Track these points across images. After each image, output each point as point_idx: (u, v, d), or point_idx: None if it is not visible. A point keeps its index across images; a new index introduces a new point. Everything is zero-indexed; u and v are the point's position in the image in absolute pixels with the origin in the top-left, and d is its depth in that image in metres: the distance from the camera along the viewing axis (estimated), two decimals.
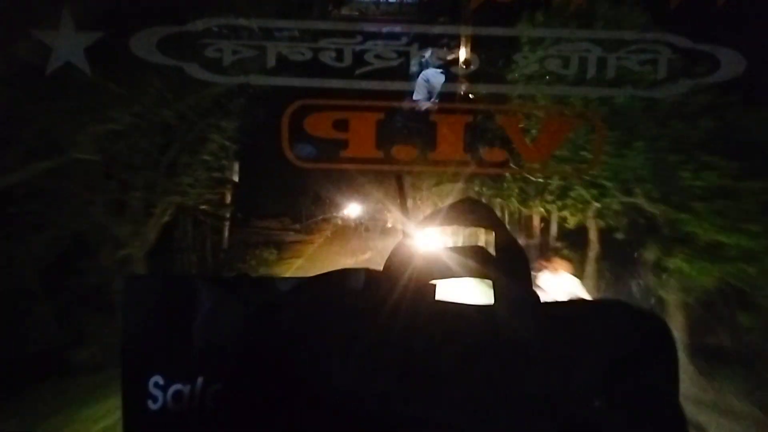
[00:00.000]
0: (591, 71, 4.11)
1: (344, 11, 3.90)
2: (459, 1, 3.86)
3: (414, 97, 4.31)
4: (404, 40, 4.24)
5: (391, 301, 1.09)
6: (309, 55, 3.83)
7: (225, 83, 3.87)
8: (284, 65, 3.86)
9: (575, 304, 1.26)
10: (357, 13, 4.06)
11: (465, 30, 4.01)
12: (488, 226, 1.12)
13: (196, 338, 1.19)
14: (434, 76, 4.42)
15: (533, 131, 4.70)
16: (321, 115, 3.97)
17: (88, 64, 3.81)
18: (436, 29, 4.21)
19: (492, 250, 1.14)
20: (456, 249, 1.14)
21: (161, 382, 1.20)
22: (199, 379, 1.18)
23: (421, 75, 4.42)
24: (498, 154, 4.67)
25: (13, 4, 4.77)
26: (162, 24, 3.96)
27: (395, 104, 4.32)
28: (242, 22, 3.94)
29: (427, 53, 4.52)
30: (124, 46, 3.85)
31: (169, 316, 1.23)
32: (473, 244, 1.22)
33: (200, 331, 1.19)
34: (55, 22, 3.86)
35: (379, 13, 4.14)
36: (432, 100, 4.53)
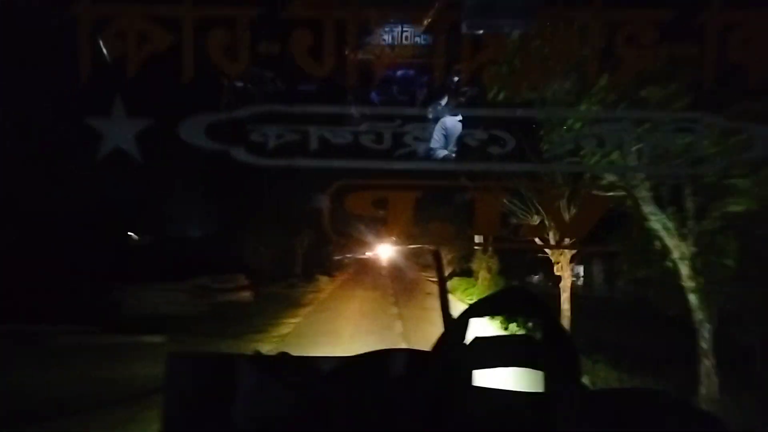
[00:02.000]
0: (626, 150, 4.16)
1: (360, 56, 4.02)
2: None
3: (431, 145, 4.37)
4: (441, 123, 4.38)
5: (436, 386, 1.11)
6: (349, 138, 3.96)
7: (269, 166, 4.00)
8: (326, 147, 3.99)
9: (627, 395, 1.25)
10: (372, 57, 4.17)
11: (498, 113, 4.12)
12: (536, 316, 1.13)
13: (237, 418, 1.22)
14: (452, 125, 4.48)
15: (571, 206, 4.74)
16: (361, 194, 4.07)
17: (138, 149, 3.99)
18: (470, 113, 4.33)
19: (539, 338, 1.15)
20: (504, 336, 1.15)
21: None
22: None
23: (438, 123, 4.49)
24: (534, 231, 4.68)
25: (66, 92, 5.03)
26: (210, 111, 4.15)
27: (432, 183, 4.41)
28: (285, 108, 4.10)
29: (443, 100, 4.61)
30: (173, 132, 4.02)
31: (210, 395, 1.26)
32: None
33: (241, 412, 1.22)
34: (107, 109, 4.08)
35: (394, 56, 4.24)
36: (450, 148, 4.58)
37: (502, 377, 1.19)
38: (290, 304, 24.21)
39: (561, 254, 13.24)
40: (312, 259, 35.12)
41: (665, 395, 1.17)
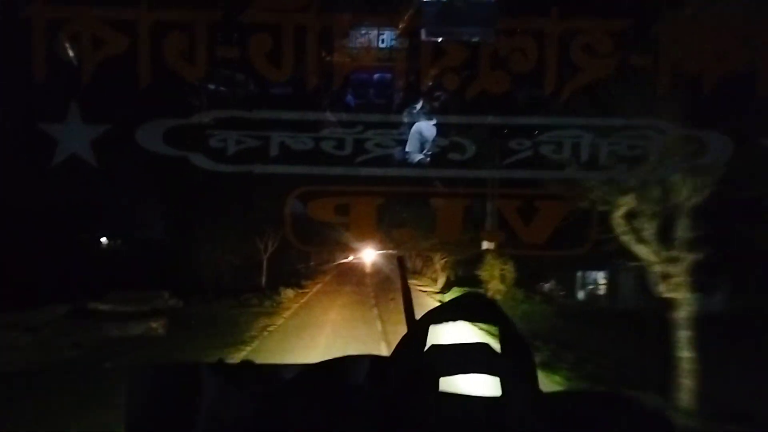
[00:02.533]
0: (584, 156, 4.24)
1: (336, 58, 4.02)
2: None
3: (406, 149, 4.39)
4: (403, 130, 4.40)
5: (395, 393, 1.11)
6: (310, 144, 3.96)
7: (229, 172, 3.97)
8: (286, 153, 3.98)
9: (579, 397, 1.29)
10: (349, 59, 4.18)
11: (458, 119, 4.17)
12: (493, 322, 1.15)
13: (199, 426, 1.20)
14: (427, 129, 4.53)
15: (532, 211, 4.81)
16: (323, 201, 4.07)
17: (94, 155, 3.92)
18: (430, 119, 4.37)
19: (497, 345, 1.17)
20: (462, 344, 1.17)
21: None
22: None
23: (413, 127, 4.52)
24: (495, 236, 4.73)
25: (21, 98, 4.92)
26: (168, 116, 4.11)
27: (395, 189, 4.44)
28: (245, 113, 4.08)
29: (418, 104, 4.66)
30: (130, 138, 3.96)
31: (172, 404, 1.25)
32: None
33: (204, 420, 1.21)
34: (62, 115, 4.00)
35: (371, 59, 4.25)
36: (425, 152, 4.62)
37: (460, 382, 1.21)
38: (223, 337, 15.86)
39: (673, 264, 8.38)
40: (279, 266, 29.23)
41: (617, 396, 1.20)
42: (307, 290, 29.40)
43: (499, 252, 19.23)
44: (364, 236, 4.13)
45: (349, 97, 4.84)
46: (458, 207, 4.25)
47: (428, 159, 4.32)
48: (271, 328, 17.90)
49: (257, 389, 1.20)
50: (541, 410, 1.07)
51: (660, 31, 3.91)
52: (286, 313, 21.02)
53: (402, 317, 1.30)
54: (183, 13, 3.85)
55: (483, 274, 22.40)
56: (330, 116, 4.17)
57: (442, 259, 28.74)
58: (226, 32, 3.90)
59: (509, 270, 21.55)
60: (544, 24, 3.89)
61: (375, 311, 20.81)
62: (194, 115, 4.12)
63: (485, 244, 12.38)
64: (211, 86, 4.44)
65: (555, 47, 3.98)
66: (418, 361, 1.10)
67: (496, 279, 21.70)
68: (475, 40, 3.75)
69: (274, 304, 22.61)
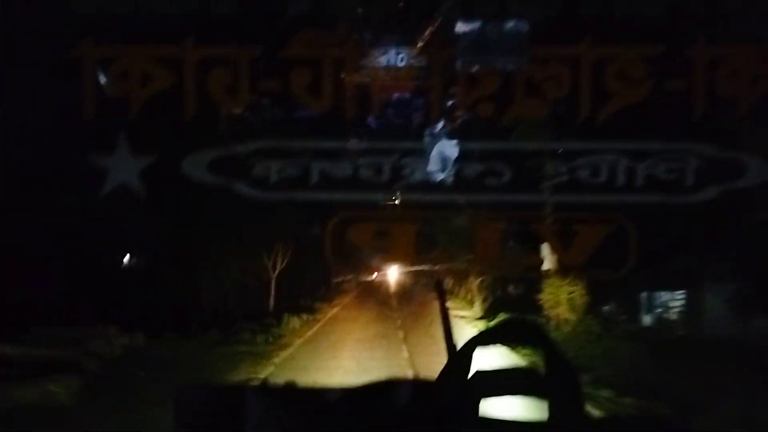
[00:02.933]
0: (620, 179, 4.25)
1: (356, 79, 4.07)
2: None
3: (428, 169, 4.41)
4: (439, 156, 4.46)
5: (440, 417, 1.12)
6: (349, 171, 4.03)
7: (271, 200, 4.07)
8: (327, 181, 4.06)
9: (629, 423, 1.27)
10: (368, 80, 4.23)
11: (495, 145, 4.21)
12: (538, 346, 1.14)
13: None
14: (448, 149, 4.54)
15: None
16: (363, 226, 4.13)
17: (142, 185, 4.06)
18: (467, 146, 4.42)
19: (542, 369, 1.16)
20: (508, 369, 1.16)
21: None
22: None
23: (435, 148, 4.53)
24: (534, 260, 4.74)
25: (71, 131, 5.11)
26: (212, 147, 4.24)
27: (433, 215, 4.49)
28: (287, 143, 4.18)
29: (440, 125, 4.68)
30: (176, 168, 4.09)
31: (219, 425, 1.28)
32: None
33: None
34: (111, 146, 4.15)
35: (389, 78, 4.30)
36: (446, 171, 4.62)
37: (507, 408, 1.20)
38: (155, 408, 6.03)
39: None
40: (290, 285, 22.67)
41: (667, 423, 1.18)
42: (319, 317, 22.91)
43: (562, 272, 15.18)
44: (403, 260, 4.18)
45: (386, 126, 4.91)
46: (495, 230, 4.28)
47: (465, 184, 4.36)
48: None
49: (301, 410, 1.22)
50: None
51: (694, 56, 3.92)
52: (282, 355, 14.64)
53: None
54: (226, 49, 3.99)
55: (546, 297, 16.91)
56: (368, 144, 4.25)
57: (479, 278, 24.04)
58: (267, 66, 4.02)
59: (579, 293, 15.12)
60: (578, 51, 3.94)
61: (404, 351, 14.85)
62: (237, 145, 4.24)
63: (547, 263, 11.39)
64: (254, 118, 4.56)
65: (588, 73, 4.01)
66: (464, 385, 1.11)
67: (563, 305, 15.49)
68: (509, 68, 3.81)
69: (271, 339, 16.70)
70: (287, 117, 4.59)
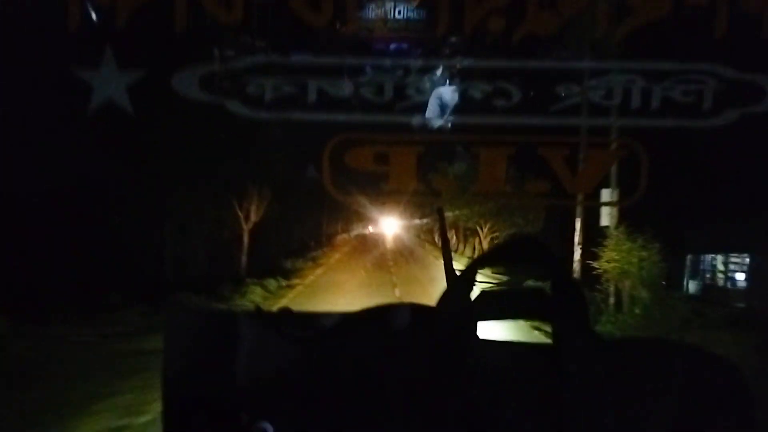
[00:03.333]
0: (635, 102, 4.08)
1: (345, 30, 3.92)
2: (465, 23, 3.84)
3: (426, 115, 4.29)
4: (445, 74, 4.28)
5: (442, 339, 1.06)
6: (350, 90, 3.88)
7: (266, 119, 3.92)
8: (325, 100, 3.92)
9: (638, 343, 1.24)
10: (365, 32, 4.08)
11: (504, 63, 4.02)
12: (544, 264, 1.10)
13: (239, 373, 1.18)
14: (447, 94, 4.41)
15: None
16: (362, 149, 4.00)
17: (129, 102, 3.89)
18: (474, 64, 4.23)
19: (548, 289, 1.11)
20: (513, 289, 1.12)
21: (204, 417, 1.19)
22: (242, 415, 1.16)
23: (433, 92, 4.40)
24: (541, 186, 4.62)
25: (56, 44, 4.91)
26: (204, 62, 4.06)
27: (436, 138, 4.33)
28: (282, 59, 4.00)
29: (461, 48, 4.51)
30: (166, 84, 3.93)
31: (211, 350, 1.22)
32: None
33: (243, 367, 1.18)
34: (97, 60, 3.97)
35: (387, 30, 4.15)
36: (445, 117, 4.50)
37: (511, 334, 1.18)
38: None
39: None
40: (268, 243, 20.36)
41: (679, 343, 1.17)
42: (295, 282, 19.44)
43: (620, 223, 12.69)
44: (403, 185, 4.06)
45: (389, 42, 4.72)
46: (502, 156, 4.14)
47: (471, 105, 4.21)
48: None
49: (297, 335, 1.18)
50: (599, 356, 1.02)
51: None
52: None
53: None
54: None
55: (610, 263, 12.95)
56: (369, 61, 4.08)
57: (491, 231, 21.26)
58: None
59: (653, 261, 12.53)
60: None
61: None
62: (230, 61, 4.07)
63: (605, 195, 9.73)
64: (249, 32, 4.36)
65: None
66: (466, 307, 1.05)
67: (633, 276, 12.67)
68: None
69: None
70: (285, 31, 4.38)
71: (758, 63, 4.46)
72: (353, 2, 3.90)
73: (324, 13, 3.78)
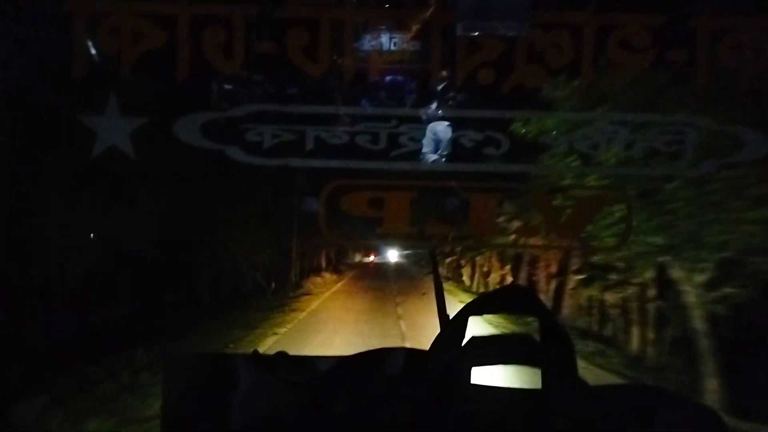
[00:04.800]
0: (619, 151, 4.21)
1: (342, 63, 4.02)
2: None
3: (419, 161, 4.38)
4: (438, 124, 4.40)
5: (433, 385, 1.11)
6: (346, 138, 3.98)
7: (265, 165, 4.02)
8: (322, 148, 4.01)
9: (624, 390, 1.28)
10: (356, 65, 4.18)
11: (494, 113, 4.15)
12: (533, 314, 1.15)
13: (235, 417, 1.23)
14: (442, 131, 4.50)
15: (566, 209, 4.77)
16: (357, 194, 4.09)
17: (132, 147, 3.99)
18: (466, 114, 4.35)
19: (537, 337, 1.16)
20: (502, 335, 1.17)
21: None
22: None
23: (428, 127, 4.48)
24: (531, 231, 4.69)
25: (59, 91, 5.00)
26: (205, 110, 4.16)
27: (428, 183, 4.44)
28: (281, 107, 4.12)
29: (434, 105, 4.61)
30: (167, 131, 4.02)
31: (209, 394, 1.27)
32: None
33: (240, 410, 1.23)
34: (100, 108, 4.07)
35: (383, 61, 4.24)
36: (439, 152, 4.59)
37: (500, 376, 1.20)
38: None
39: None
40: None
41: (662, 390, 1.19)
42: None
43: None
44: (397, 229, 4.14)
45: (384, 92, 4.84)
46: (492, 201, 4.24)
47: (463, 154, 4.32)
48: None
49: (293, 379, 1.22)
50: (585, 402, 1.07)
51: (698, 26, 3.85)
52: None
53: None
54: (221, 8, 3.90)
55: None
56: (365, 111, 4.20)
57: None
58: (263, 26, 3.95)
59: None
60: (581, 18, 3.87)
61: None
62: (230, 109, 4.17)
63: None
64: (248, 81, 4.48)
65: (591, 42, 3.95)
66: (458, 352, 1.10)
67: None
68: (511, 34, 3.74)
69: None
70: (283, 80, 4.50)
71: (736, 115, 4.63)
72: (351, 53, 4.03)
73: (321, 63, 3.89)
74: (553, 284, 18.65)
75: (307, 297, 22.76)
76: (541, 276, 19.76)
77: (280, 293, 22.01)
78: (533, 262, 20.43)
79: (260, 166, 3.97)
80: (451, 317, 1.22)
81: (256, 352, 1.37)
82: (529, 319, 1.20)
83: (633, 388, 1.31)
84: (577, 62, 3.98)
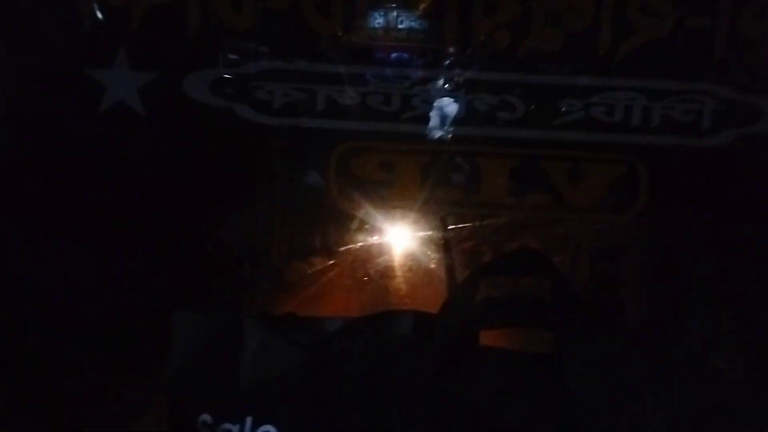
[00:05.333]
0: (636, 119, 4.14)
1: (353, 38, 3.95)
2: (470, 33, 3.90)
3: (431, 125, 4.33)
4: (452, 86, 4.32)
5: (443, 346, 1.11)
6: (357, 99, 3.92)
7: (274, 125, 3.97)
8: (333, 108, 3.97)
9: (644, 353, 1.28)
10: (367, 40, 4.11)
11: (508, 77, 4.07)
12: (546, 276, 1.14)
13: (243, 377, 1.23)
14: (447, 105, 4.44)
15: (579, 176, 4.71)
16: (367, 156, 4.05)
17: (141, 103, 3.93)
18: (480, 76, 4.29)
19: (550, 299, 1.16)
20: (514, 298, 1.17)
21: (209, 420, 1.25)
22: (248, 419, 1.21)
23: (434, 104, 4.44)
24: (543, 198, 4.64)
25: (67, 44, 4.92)
26: (215, 66, 4.10)
27: (441, 147, 4.40)
28: (292, 65, 4.06)
29: (440, 80, 4.54)
30: (177, 87, 3.97)
31: (217, 353, 1.28)
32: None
33: (247, 370, 1.23)
34: (109, 61, 4.01)
35: (389, 39, 4.16)
36: (445, 128, 4.53)
37: (512, 338, 1.22)
38: None
39: None
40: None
41: (679, 354, 1.21)
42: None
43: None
44: (407, 195, 4.11)
45: (396, 52, 4.77)
46: (504, 168, 4.19)
47: (475, 117, 4.26)
48: None
49: (301, 339, 1.23)
50: (598, 366, 1.08)
51: None
52: None
53: None
54: None
55: None
56: (377, 71, 4.13)
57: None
58: None
59: None
60: None
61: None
62: (241, 66, 4.12)
63: None
64: (259, 37, 4.40)
65: (610, 6, 3.88)
66: (468, 314, 1.12)
67: None
68: None
69: None
70: (295, 37, 4.42)
71: (756, 84, 4.53)
72: (363, 10, 3.96)
73: (333, 20, 3.84)
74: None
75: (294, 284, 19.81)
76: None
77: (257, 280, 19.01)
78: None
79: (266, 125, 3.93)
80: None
81: (264, 312, 1.38)
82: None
83: (650, 353, 1.31)
84: (595, 27, 3.91)
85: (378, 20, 4.13)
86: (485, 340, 1.17)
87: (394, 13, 4.25)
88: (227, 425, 1.24)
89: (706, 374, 1.15)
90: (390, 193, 4.14)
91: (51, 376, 3.32)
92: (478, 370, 1.11)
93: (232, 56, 4.29)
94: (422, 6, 4.13)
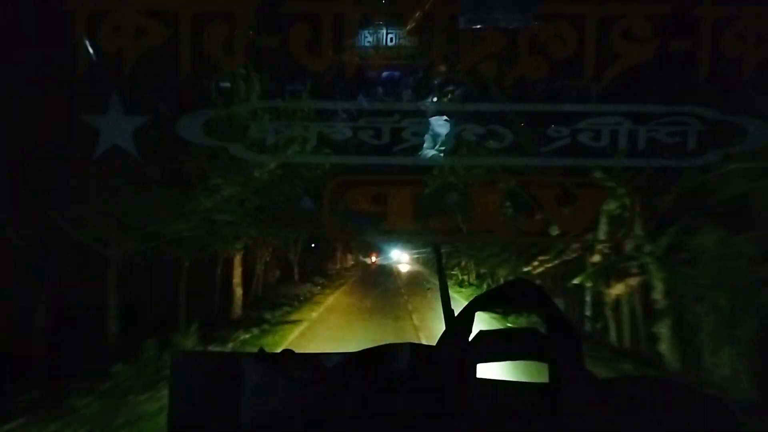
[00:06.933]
0: (622, 143, 4.20)
1: (344, 57, 3.98)
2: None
3: (421, 156, 4.34)
4: (440, 118, 4.39)
5: (440, 380, 1.11)
6: (349, 133, 3.96)
7: (268, 162, 4.01)
8: (325, 143, 4.00)
9: (632, 383, 1.26)
10: (358, 59, 4.14)
11: (496, 107, 4.13)
12: (540, 307, 1.13)
13: (243, 415, 1.22)
14: (439, 126, 4.47)
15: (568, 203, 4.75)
16: (360, 189, 4.07)
17: (134, 146, 3.97)
18: (468, 107, 4.35)
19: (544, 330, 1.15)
20: (510, 330, 1.16)
21: None
22: None
23: (431, 122, 4.46)
24: (534, 224, 4.68)
25: (63, 90, 4.98)
26: (208, 107, 4.15)
27: (432, 177, 4.44)
28: (284, 103, 4.11)
29: (429, 113, 4.58)
30: (170, 129, 4.01)
31: (215, 392, 1.27)
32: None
33: (248, 408, 1.22)
34: (103, 106, 4.06)
35: (379, 57, 4.20)
36: (436, 148, 4.55)
37: (508, 370, 1.19)
38: None
39: None
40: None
41: (671, 382, 1.18)
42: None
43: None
44: (401, 225, 4.13)
45: (386, 86, 4.82)
46: (495, 195, 4.23)
47: (466, 147, 4.30)
48: None
49: (299, 377, 1.21)
50: (594, 396, 1.05)
51: (700, 16, 3.84)
52: None
53: None
54: (223, 4, 3.88)
55: None
56: (367, 105, 4.18)
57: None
58: (265, 22, 3.94)
59: None
60: (583, 8, 3.86)
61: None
62: (233, 106, 4.16)
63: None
64: (251, 76, 4.46)
65: (594, 32, 3.94)
66: (464, 348, 1.10)
67: None
68: (513, 26, 3.73)
69: None
70: (285, 76, 4.49)
71: (740, 104, 4.60)
72: (352, 49, 4.01)
73: (323, 58, 3.88)
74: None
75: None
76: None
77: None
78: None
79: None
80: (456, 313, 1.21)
81: (262, 350, 1.36)
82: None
83: (641, 381, 1.29)
84: (579, 53, 3.97)
85: (367, 58, 4.20)
86: (483, 372, 1.16)
87: (383, 44, 4.32)
88: None
89: (700, 403, 1.15)
90: (384, 224, 4.17)
91: None
92: (477, 403, 1.09)
93: (225, 96, 4.37)
94: (409, 40, 4.21)
